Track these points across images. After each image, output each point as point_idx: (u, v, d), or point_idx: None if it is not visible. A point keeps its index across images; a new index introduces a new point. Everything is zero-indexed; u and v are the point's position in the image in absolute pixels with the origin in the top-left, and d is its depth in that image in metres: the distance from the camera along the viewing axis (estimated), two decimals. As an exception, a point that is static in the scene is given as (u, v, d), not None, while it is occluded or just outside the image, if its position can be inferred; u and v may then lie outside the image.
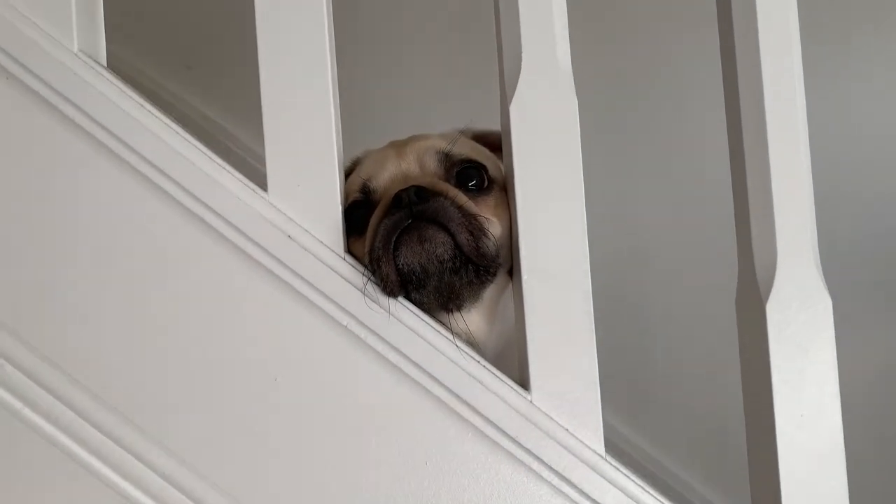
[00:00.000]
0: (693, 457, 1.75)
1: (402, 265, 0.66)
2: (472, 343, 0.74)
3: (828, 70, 1.65)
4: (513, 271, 0.72)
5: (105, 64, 0.71)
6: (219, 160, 0.66)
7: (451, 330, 0.68)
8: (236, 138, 1.78)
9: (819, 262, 0.69)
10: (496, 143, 0.79)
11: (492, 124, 0.80)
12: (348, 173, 0.79)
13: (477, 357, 0.67)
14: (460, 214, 0.68)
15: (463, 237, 0.67)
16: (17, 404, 0.66)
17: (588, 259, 0.67)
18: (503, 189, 0.75)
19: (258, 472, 0.67)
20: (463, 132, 0.87)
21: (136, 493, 0.67)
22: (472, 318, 0.75)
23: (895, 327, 1.70)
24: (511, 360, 0.75)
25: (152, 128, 0.66)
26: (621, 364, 1.77)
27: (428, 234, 0.67)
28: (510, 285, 0.76)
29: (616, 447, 1.73)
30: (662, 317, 1.77)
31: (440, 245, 0.67)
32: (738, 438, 0.77)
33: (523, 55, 0.67)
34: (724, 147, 0.73)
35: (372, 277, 0.66)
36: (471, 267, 0.69)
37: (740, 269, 0.73)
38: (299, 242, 0.66)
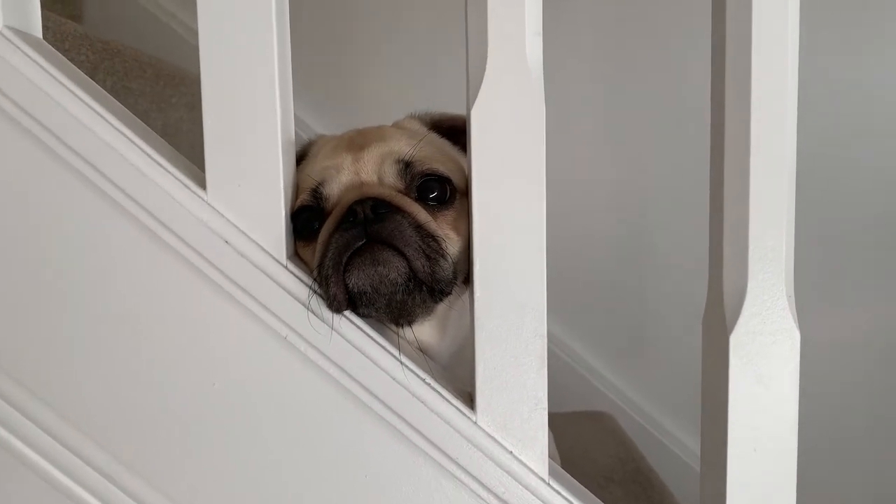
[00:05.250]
0: (692, 417, 1.77)
1: (353, 286, 0.62)
2: (422, 350, 0.71)
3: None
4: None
5: (40, 35, 0.66)
6: (153, 153, 0.62)
7: (398, 344, 0.65)
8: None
9: (792, 292, 0.65)
10: (460, 127, 0.73)
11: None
12: (299, 159, 0.74)
13: (422, 375, 0.64)
14: (418, 237, 0.64)
15: (419, 263, 0.63)
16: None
17: (545, 279, 0.63)
18: (465, 194, 0.70)
19: (192, 472, 0.65)
20: (421, 118, 0.80)
21: (77, 489, 0.66)
22: (424, 329, 0.71)
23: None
24: (463, 363, 0.72)
25: (81, 117, 0.61)
26: (621, 322, 1.77)
27: (382, 258, 0.62)
28: (466, 293, 0.72)
29: (615, 405, 1.76)
30: (662, 272, 1.75)
31: (394, 270, 0.62)
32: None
33: (489, 54, 0.61)
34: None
35: (318, 290, 0.63)
36: (425, 288, 0.65)
37: (710, 289, 0.69)
38: (237, 248, 0.62)
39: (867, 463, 1.71)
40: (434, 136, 0.78)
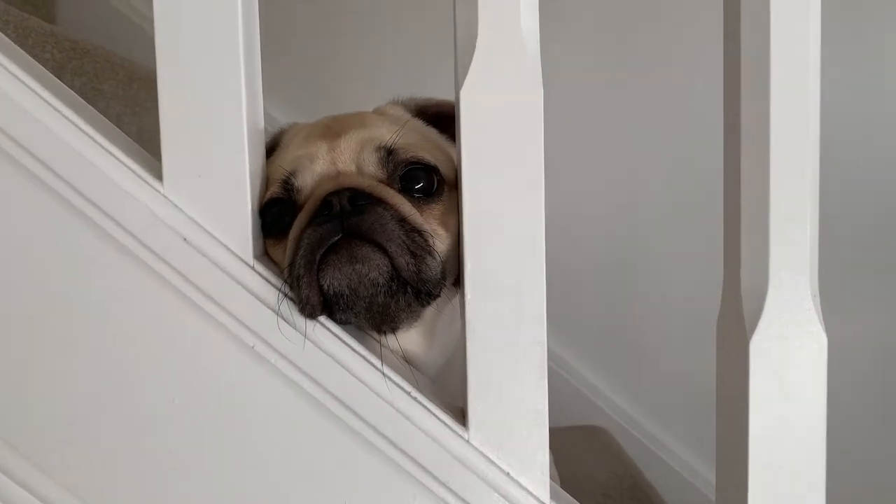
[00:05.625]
0: (692, 433, 1.70)
1: (328, 287, 0.55)
2: (408, 361, 0.64)
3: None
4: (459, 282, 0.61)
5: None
6: (102, 140, 0.54)
7: (381, 354, 0.58)
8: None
9: (817, 291, 0.59)
10: (448, 113, 0.66)
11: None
12: (270, 150, 0.67)
13: (407, 388, 0.57)
14: (402, 231, 0.57)
15: (403, 260, 0.56)
16: None
17: (544, 278, 0.57)
18: (455, 186, 0.63)
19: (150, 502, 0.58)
20: (404, 104, 0.73)
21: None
22: (410, 337, 0.64)
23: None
24: (454, 375, 0.65)
25: (18, 99, 0.54)
26: (619, 336, 1.71)
27: (361, 255, 0.55)
28: (456, 297, 0.65)
29: (610, 419, 1.69)
30: (660, 282, 1.69)
31: (374, 269, 0.55)
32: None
33: (479, 27, 0.54)
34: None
35: (289, 293, 0.56)
36: (409, 290, 0.58)
37: (724, 290, 0.63)
38: (197, 247, 0.55)
39: (888, 473, 1.64)
40: (419, 123, 0.71)
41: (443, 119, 0.71)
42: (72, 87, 1.17)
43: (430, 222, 0.61)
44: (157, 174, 0.55)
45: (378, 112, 0.72)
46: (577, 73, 1.61)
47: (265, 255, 0.60)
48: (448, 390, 0.64)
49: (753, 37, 0.57)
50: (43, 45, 1.14)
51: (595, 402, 1.71)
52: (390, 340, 0.62)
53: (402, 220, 0.57)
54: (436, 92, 0.75)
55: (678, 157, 1.61)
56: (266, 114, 0.62)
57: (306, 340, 0.55)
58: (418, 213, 0.60)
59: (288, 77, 1.62)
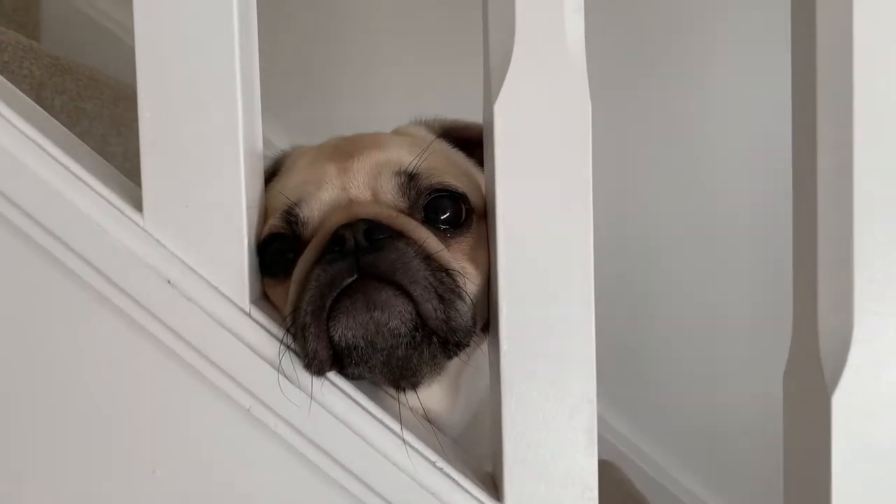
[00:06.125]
0: (695, 462, 1.61)
1: (339, 339, 0.46)
2: (429, 420, 0.55)
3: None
4: (489, 328, 0.53)
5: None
6: (70, 163, 0.46)
7: (399, 415, 0.49)
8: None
9: (907, 336, 0.50)
10: (476, 138, 0.58)
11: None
12: (269, 177, 0.59)
13: (432, 457, 0.48)
14: (428, 271, 0.48)
15: (430, 305, 0.47)
16: None
17: (593, 325, 0.48)
18: (484, 216, 0.55)
19: None
20: (428, 124, 0.65)
21: None
22: (431, 393, 0.55)
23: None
24: (481, 434, 0.57)
25: (-31, 115, 0.45)
26: (624, 364, 1.62)
27: (380, 300, 0.46)
28: (484, 344, 0.56)
29: (618, 452, 1.60)
30: (667, 316, 1.60)
31: (396, 316, 0.47)
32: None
33: (517, 33, 0.46)
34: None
35: (291, 345, 0.47)
36: (436, 340, 0.49)
37: (795, 336, 0.54)
38: (183, 291, 0.46)
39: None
40: (444, 145, 0.62)
41: (468, 144, 0.63)
42: (52, 106, 1.08)
43: (458, 259, 0.52)
44: (137, 204, 0.47)
45: (398, 132, 0.64)
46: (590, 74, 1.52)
47: (263, 297, 0.52)
48: (473, 451, 0.56)
49: (831, 36, 0.49)
50: (20, 61, 1.05)
51: (601, 433, 1.62)
52: (410, 397, 0.53)
53: (428, 258, 0.48)
54: (459, 112, 0.67)
55: (694, 157, 1.52)
56: (264, 137, 0.53)
57: (312, 402, 0.46)
58: (446, 249, 0.51)
59: (290, 95, 1.52)
